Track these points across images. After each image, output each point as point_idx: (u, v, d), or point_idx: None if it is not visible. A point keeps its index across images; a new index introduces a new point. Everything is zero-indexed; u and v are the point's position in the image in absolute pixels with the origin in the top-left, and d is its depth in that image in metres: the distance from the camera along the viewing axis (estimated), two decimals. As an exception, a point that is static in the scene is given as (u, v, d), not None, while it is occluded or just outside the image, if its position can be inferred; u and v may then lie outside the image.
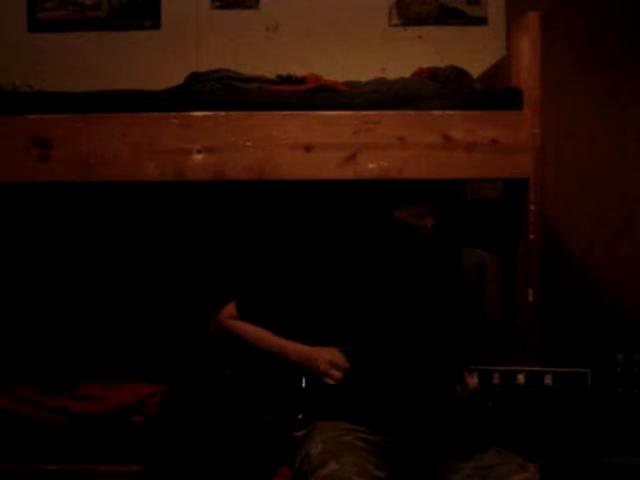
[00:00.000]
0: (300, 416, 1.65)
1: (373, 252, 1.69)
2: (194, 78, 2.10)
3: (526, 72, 1.79)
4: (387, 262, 1.67)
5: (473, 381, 1.55)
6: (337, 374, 1.59)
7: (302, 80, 2.05)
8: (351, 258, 1.74)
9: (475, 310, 1.79)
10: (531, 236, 1.78)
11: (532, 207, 1.78)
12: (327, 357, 1.61)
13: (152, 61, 2.56)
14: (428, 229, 1.61)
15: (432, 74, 2.14)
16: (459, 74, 2.12)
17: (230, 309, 1.76)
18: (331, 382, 1.59)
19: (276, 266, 1.84)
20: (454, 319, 1.69)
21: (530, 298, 1.77)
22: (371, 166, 1.77)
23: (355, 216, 1.84)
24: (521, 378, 1.54)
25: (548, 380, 1.49)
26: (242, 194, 2.33)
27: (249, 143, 1.77)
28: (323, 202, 2.36)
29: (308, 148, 1.77)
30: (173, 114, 1.78)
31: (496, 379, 1.53)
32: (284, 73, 2.11)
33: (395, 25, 2.59)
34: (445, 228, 1.63)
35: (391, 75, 2.26)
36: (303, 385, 1.68)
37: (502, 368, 1.52)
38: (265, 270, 1.88)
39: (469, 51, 2.50)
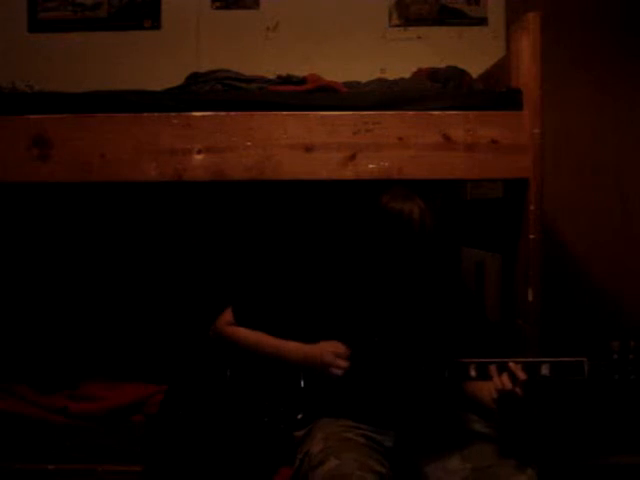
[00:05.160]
0: (300, 416, 1.65)
1: (364, 245, 1.67)
2: (194, 78, 2.10)
3: (526, 72, 1.78)
4: (378, 252, 1.65)
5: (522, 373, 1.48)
6: (343, 363, 1.60)
7: (302, 80, 2.05)
8: (344, 255, 1.74)
9: (473, 308, 1.78)
10: (531, 236, 1.78)
11: (532, 207, 1.78)
12: (330, 349, 1.61)
13: (152, 61, 2.56)
14: (414, 211, 1.58)
15: (432, 74, 2.14)
16: (459, 74, 2.11)
17: (227, 316, 1.76)
18: (338, 372, 1.60)
19: (269, 269, 1.84)
20: (448, 313, 1.69)
21: (530, 298, 1.77)
22: (371, 166, 1.77)
23: (347, 215, 1.83)
24: None
25: (545, 370, 1.48)
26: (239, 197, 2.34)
27: (249, 143, 1.77)
28: (316, 202, 2.36)
29: (308, 148, 1.77)
30: (173, 114, 1.78)
31: (493, 371, 1.53)
32: (284, 73, 2.11)
33: (395, 25, 2.59)
34: (433, 212, 1.60)
35: (391, 75, 2.26)
36: (302, 385, 1.68)
37: (498, 360, 1.52)
38: (259, 274, 1.88)
39: (469, 51, 2.50)
